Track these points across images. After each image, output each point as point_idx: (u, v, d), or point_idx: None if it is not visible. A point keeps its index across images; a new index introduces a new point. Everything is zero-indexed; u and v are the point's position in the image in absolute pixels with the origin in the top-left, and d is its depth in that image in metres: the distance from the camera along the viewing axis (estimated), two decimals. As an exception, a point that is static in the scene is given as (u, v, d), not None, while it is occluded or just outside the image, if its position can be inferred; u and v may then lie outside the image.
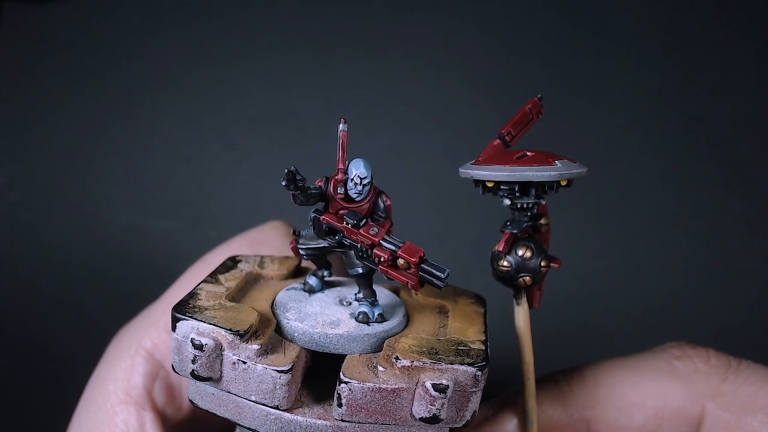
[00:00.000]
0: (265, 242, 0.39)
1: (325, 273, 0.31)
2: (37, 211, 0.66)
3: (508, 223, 0.31)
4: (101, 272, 0.64)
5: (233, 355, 0.26)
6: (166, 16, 0.69)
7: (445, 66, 0.69)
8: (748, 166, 0.67)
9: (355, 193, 0.28)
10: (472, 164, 0.30)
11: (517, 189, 0.30)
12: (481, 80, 0.68)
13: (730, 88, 0.68)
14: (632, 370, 0.35)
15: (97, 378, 0.35)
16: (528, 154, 0.30)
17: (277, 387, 0.26)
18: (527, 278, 0.31)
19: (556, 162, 0.29)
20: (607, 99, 0.68)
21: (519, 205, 0.30)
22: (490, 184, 0.30)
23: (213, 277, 0.31)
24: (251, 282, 0.32)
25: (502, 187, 0.30)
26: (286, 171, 0.27)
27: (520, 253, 0.31)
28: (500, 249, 0.31)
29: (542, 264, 0.31)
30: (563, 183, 0.30)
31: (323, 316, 0.29)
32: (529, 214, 0.31)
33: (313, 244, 0.30)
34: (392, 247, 0.27)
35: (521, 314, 0.32)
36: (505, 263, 0.31)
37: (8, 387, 0.58)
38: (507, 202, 0.30)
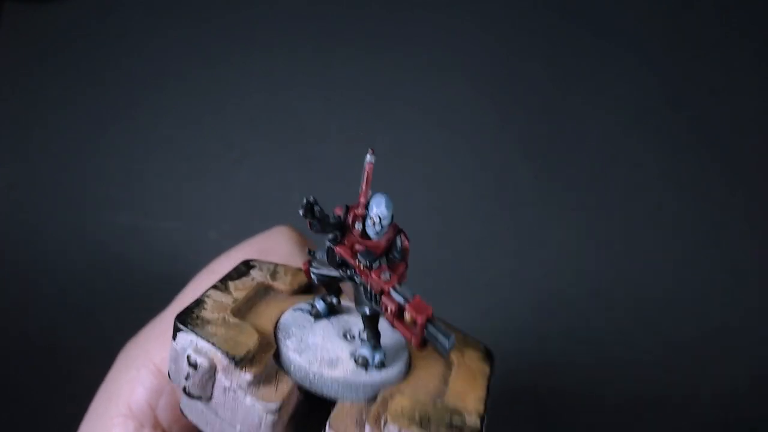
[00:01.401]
0: (273, 250, 0.37)
1: (334, 300, 0.30)
2: (37, 211, 0.66)
3: None
4: (101, 272, 0.64)
5: (225, 380, 0.26)
6: (166, 16, 0.69)
7: (445, 66, 0.68)
8: (748, 166, 0.67)
9: (373, 233, 0.27)
10: None
11: None
12: (481, 80, 0.68)
13: (730, 88, 0.68)
14: None
15: (104, 389, 0.34)
16: None
17: (263, 425, 0.25)
18: None
19: None
20: (607, 99, 0.68)
21: None
22: None
23: (223, 284, 0.30)
24: (260, 293, 0.31)
25: None
26: (304, 201, 0.25)
27: None
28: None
29: None
30: None
31: (323, 350, 0.28)
32: None
33: (326, 272, 0.29)
34: (400, 300, 0.26)
35: None
36: None
37: (8, 387, 0.58)
38: None
